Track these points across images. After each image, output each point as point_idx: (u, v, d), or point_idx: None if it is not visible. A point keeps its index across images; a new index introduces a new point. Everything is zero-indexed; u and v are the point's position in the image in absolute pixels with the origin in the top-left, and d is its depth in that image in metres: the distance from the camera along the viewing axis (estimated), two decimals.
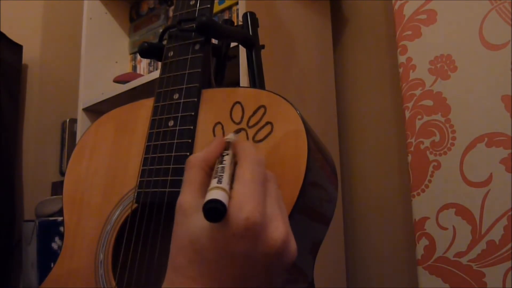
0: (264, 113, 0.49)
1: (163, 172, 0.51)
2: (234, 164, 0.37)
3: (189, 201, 0.34)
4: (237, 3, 1.15)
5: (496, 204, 0.73)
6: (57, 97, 1.74)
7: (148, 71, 1.49)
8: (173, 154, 0.52)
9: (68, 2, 1.82)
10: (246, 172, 0.35)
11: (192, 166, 0.37)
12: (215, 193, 0.32)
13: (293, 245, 0.34)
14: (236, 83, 0.95)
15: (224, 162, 0.37)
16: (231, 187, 0.34)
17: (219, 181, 0.33)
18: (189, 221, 0.33)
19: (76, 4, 1.75)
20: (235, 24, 0.78)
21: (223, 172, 0.35)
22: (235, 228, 0.31)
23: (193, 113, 0.53)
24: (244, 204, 0.32)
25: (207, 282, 0.32)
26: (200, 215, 0.32)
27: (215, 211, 0.31)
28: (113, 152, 0.58)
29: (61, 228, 1.31)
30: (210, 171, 0.37)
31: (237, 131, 0.50)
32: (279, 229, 0.33)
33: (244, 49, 0.68)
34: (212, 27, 0.56)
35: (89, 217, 0.56)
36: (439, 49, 0.83)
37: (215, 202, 0.31)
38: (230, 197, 0.32)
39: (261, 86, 0.66)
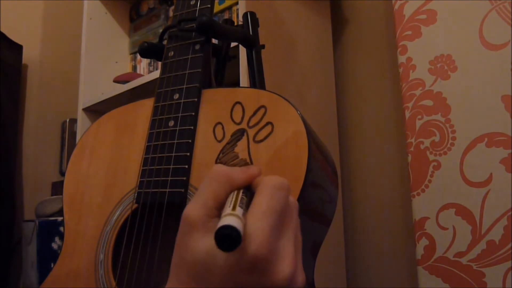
0: (264, 113, 0.49)
1: (163, 172, 0.51)
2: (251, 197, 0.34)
3: (199, 214, 0.32)
4: (237, 3, 1.15)
5: (496, 204, 0.73)
6: (57, 97, 1.74)
7: (148, 71, 1.49)
8: (173, 154, 0.52)
9: (68, 2, 1.82)
10: (263, 200, 0.32)
11: (215, 179, 0.34)
12: (232, 220, 0.29)
13: (300, 280, 0.33)
14: (236, 83, 0.95)
15: (247, 193, 0.34)
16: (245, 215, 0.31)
17: (243, 210, 0.31)
18: (195, 238, 0.32)
19: (76, 4, 1.75)
20: (235, 24, 0.78)
21: (243, 202, 0.32)
22: (241, 262, 0.30)
23: (193, 113, 0.53)
24: (254, 238, 0.30)
25: None
26: (208, 237, 0.31)
27: (228, 239, 0.28)
28: (113, 152, 0.58)
29: (61, 228, 1.31)
30: (230, 192, 0.34)
31: (237, 132, 0.50)
32: (288, 267, 0.31)
33: (244, 49, 0.68)
34: (212, 27, 0.56)
35: (89, 217, 0.56)
36: (439, 49, 0.83)
37: (230, 229, 0.28)
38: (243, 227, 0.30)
39: (261, 86, 0.66)
